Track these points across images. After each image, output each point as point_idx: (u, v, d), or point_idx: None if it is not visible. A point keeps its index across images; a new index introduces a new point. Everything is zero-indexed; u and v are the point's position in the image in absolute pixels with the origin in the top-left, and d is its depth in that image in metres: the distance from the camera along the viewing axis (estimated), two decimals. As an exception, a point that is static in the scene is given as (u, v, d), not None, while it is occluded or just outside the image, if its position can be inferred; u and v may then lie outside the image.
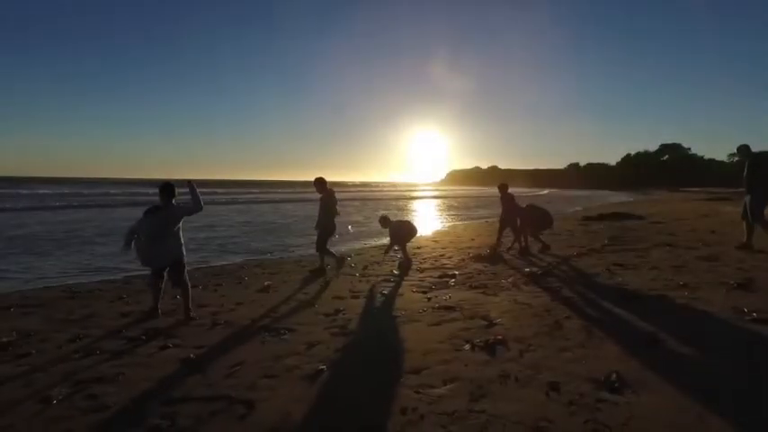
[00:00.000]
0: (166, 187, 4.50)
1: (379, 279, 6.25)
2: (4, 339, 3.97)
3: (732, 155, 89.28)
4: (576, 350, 3.26)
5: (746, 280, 5.04)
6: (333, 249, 7.36)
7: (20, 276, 7.24)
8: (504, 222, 8.42)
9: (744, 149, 7.35)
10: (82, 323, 4.53)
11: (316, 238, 7.14)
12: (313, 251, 7.34)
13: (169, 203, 4.50)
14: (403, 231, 7.50)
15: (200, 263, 8.31)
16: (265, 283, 6.19)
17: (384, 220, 7.74)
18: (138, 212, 4.74)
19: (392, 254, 7.84)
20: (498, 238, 8.52)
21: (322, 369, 3.11)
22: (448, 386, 2.76)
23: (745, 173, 7.16)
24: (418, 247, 9.31)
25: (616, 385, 2.63)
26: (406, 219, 8.51)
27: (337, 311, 4.63)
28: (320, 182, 7.16)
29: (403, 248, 7.45)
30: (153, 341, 3.91)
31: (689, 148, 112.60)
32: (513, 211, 8.32)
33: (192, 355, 3.49)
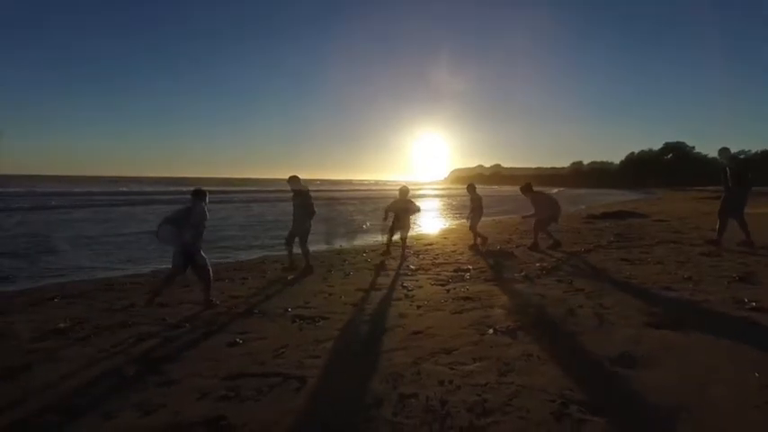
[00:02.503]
0: (197, 191, 5.16)
1: (398, 272, 6.59)
2: (62, 325, 4.32)
3: (736, 153, 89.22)
4: (590, 334, 3.59)
5: (747, 273, 5.37)
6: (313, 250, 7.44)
7: (49, 271, 7.60)
8: (474, 221, 9.21)
9: (724, 152, 7.75)
10: (126, 312, 4.86)
11: (299, 239, 7.05)
12: (316, 248, 7.81)
13: (196, 203, 5.01)
14: (403, 221, 8.28)
15: (221, 258, 8.66)
16: (289, 277, 6.53)
17: (404, 191, 8.55)
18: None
19: (405, 250, 8.24)
20: (478, 235, 9.18)
21: (361, 350, 3.44)
22: (477, 363, 3.10)
23: (724, 175, 7.66)
24: (430, 244, 9.68)
25: (627, 362, 2.96)
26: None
27: (363, 302, 4.97)
28: (295, 179, 7.18)
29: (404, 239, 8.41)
30: (197, 328, 4.24)
31: (693, 147, 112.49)
32: (480, 210, 9.20)
33: (238, 339, 3.83)
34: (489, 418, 2.37)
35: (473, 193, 9.32)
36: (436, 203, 32.88)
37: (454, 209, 26.17)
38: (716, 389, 2.57)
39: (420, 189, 79.82)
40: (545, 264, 6.79)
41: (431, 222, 16.91)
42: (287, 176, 7.31)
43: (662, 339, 3.39)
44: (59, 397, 2.82)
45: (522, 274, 6.13)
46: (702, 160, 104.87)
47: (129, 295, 5.66)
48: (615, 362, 2.99)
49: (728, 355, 3.06)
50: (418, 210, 8.66)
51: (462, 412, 2.44)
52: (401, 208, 8.29)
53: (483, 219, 9.45)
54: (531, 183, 9.05)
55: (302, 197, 7.07)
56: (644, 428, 2.23)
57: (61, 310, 5.00)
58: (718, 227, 7.77)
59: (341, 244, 10.31)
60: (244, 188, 58.12)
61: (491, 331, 3.75)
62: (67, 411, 2.63)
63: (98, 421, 2.52)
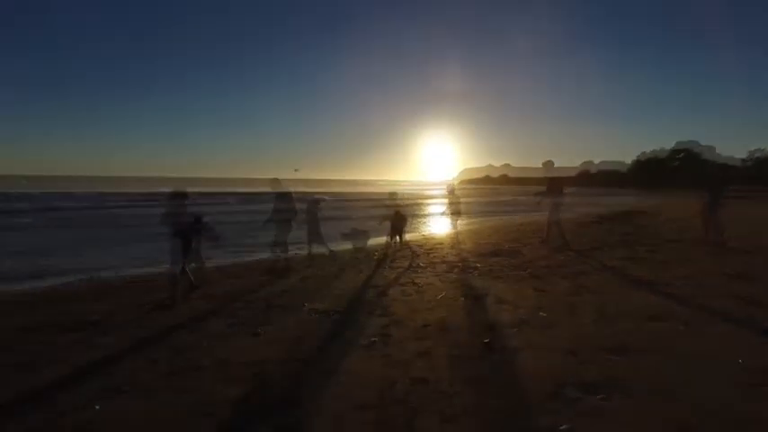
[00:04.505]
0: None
1: (408, 270, 6.85)
2: (95, 318, 4.64)
3: (752, 151, 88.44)
4: (590, 326, 3.82)
5: (746, 271, 5.54)
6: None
7: (75, 269, 7.97)
8: (454, 215, 10.17)
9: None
10: (150, 306, 5.16)
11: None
12: (322, 248, 8.44)
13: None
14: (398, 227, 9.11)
15: (235, 257, 8.99)
16: (302, 275, 6.81)
17: (392, 196, 9.62)
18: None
19: (412, 249, 8.54)
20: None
21: (374, 341, 3.71)
22: (484, 352, 3.34)
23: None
24: (440, 243, 9.91)
25: (621, 350, 3.20)
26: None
27: (376, 297, 5.23)
28: (277, 182, 7.22)
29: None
30: (219, 320, 4.53)
31: (709, 146, 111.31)
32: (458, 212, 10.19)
33: (259, 331, 4.11)
34: (494, 398, 2.61)
35: (453, 194, 10.23)
36: (445, 203, 33.02)
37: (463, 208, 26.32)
38: (700, 372, 2.80)
39: (430, 189, 79.97)
40: (551, 262, 6.99)
41: (441, 222, 17.11)
42: (307, 177, 7.58)
43: (656, 330, 3.62)
44: (101, 378, 3.12)
45: (528, 271, 6.34)
46: (716, 158, 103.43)
47: (152, 291, 5.97)
48: (610, 350, 3.22)
49: (718, 344, 3.27)
50: (405, 221, 9.52)
51: (470, 393, 2.69)
52: (396, 216, 9.12)
53: (488, 218, 9.83)
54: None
55: (286, 201, 7.17)
56: (631, 406, 2.45)
57: (92, 304, 5.32)
58: (714, 228, 8.22)
59: (352, 243, 10.56)
60: (257, 189, 58.71)
61: (497, 324, 3.99)
62: (110, 390, 2.92)
63: (141, 400, 2.81)
